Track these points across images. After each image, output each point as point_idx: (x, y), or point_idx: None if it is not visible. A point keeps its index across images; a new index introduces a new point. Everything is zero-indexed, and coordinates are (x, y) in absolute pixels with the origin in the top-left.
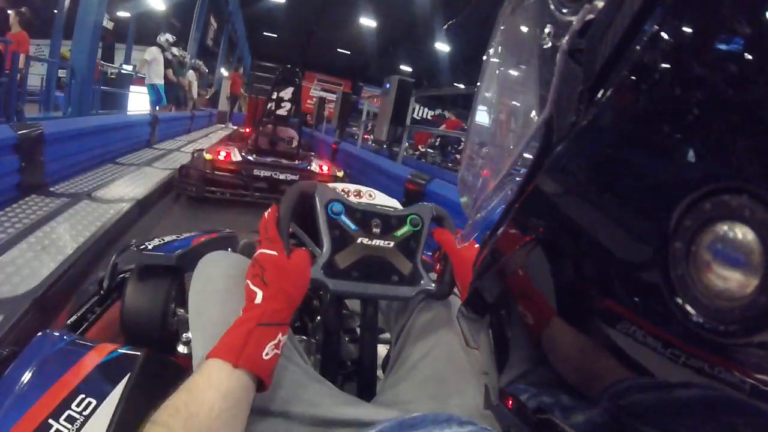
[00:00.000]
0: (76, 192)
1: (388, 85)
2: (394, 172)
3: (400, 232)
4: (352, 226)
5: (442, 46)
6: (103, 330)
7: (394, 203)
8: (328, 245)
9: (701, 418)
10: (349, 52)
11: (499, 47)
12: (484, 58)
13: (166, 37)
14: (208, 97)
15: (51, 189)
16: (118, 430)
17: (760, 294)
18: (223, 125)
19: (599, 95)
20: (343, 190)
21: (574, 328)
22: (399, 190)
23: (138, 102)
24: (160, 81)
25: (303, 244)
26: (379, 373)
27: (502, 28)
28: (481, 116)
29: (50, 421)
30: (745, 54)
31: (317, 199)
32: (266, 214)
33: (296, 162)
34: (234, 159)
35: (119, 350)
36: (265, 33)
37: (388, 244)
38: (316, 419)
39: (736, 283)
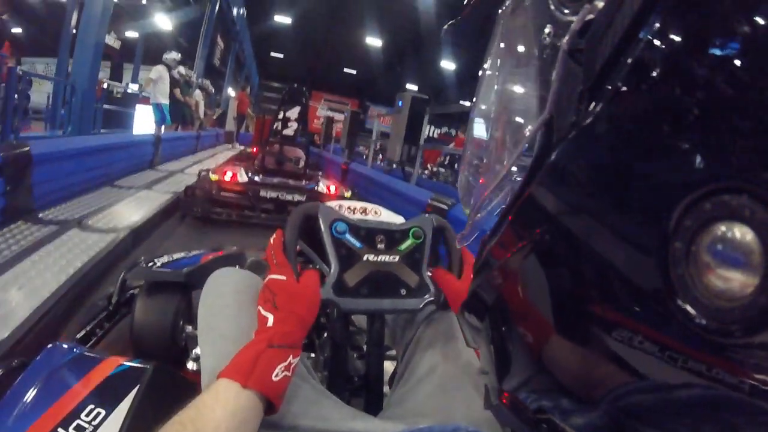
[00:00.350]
0: (66, 219)
1: (400, 103)
2: (412, 195)
3: (404, 246)
4: (357, 244)
5: (448, 64)
6: (112, 345)
7: (399, 219)
8: (335, 265)
9: (702, 418)
10: (355, 72)
11: (499, 48)
12: (484, 60)
13: (172, 56)
14: (215, 117)
15: (39, 215)
16: None
17: (760, 294)
18: (230, 145)
19: (599, 95)
20: (349, 208)
21: (573, 332)
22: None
23: (144, 121)
24: (165, 101)
25: (312, 262)
26: (386, 389)
27: (501, 28)
28: (482, 116)
29: (59, 430)
30: (745, 54)
31: (321, 220)
32: (271, 240)
33: (303, 182)
34: (240, 179)
35: (128, 363)
36: (272, 53)
37: (394, 258)
38: None
39: (736, 283)
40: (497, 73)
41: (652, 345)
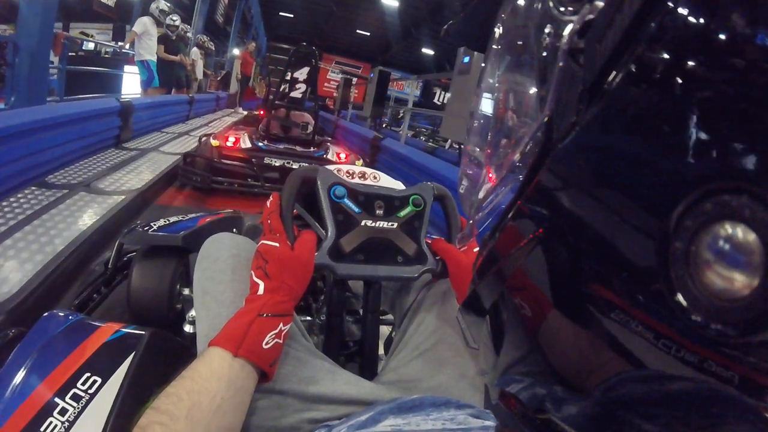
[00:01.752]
0: None
1: (466, 59)
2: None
3: (403, 213)
4: (356, 209)
5: None
6: (109, 310)
7: (398, 185)
8: (332, 229)
9: (693, 411)
10: (368, 34)
11: (499, 47)
12: (484, 60)
13: (160, 6)
14: (219, 78)
15: None
16: (122, 407)
17: (760, 294)
18: (233, 110)
19: (599, 95)
20: (347, 173)
21: (573, 324)
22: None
23: (135, 84)
24: (152, 57)
25: (309, 226)
26: (381, 353)
27: (501, 28)
28: (482, 116)
29: (56, 399)
30: (746, 53)
31: (319, 183)
32: (268, 203)
33: (311, 149)
34: (243, 146)
35: (125, 329)
36: (281, 13)
37: (392, 225)
38: (316, 396)
39: (736, 283)
40: (497, 74)
41: (653, 339)
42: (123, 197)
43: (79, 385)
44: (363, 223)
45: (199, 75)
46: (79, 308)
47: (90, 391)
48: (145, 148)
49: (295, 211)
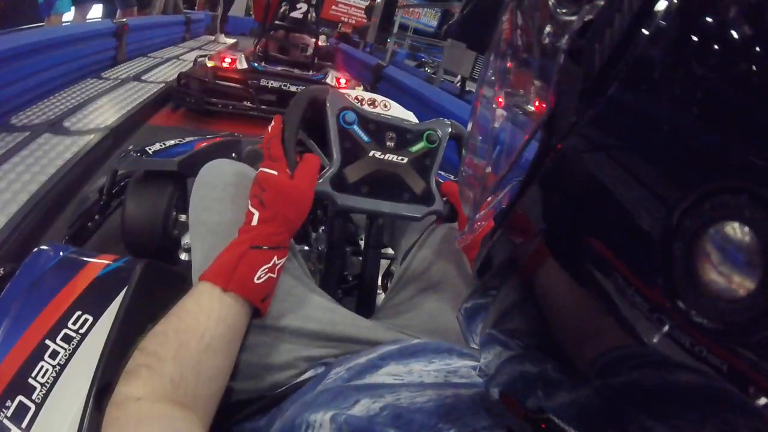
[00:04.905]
0: None
1: None
2: None
3: (415, 148)
4: (365, 138)
5: None
6: (105, 239)
7: (410, 116)
8: (338, 157)
9: (689, 405)
10: None
11: (499, 47)
12: (485, 60)
13: None
14: None
15: None
16: (114, 346)
17: (760, 294)
18: (212, 38)
19: (599, 96)
20: (356, 98)
21: (573, 322)
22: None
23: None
24: None
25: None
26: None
27: (501, 28)
28: (482, 116)
29: (47, 341)
30: (747, 53)
31: (329, 106)
32: (270, 127)
33: (310, 72)
34: (239, 67)
35: (117, 262)
36: None
37: (402, 159)
38: (313, 333)
39: (736, 283)
40: (498, 73)
41: (653, 339)
42: None
43: (69, 325)
44: (371, 154)
45: None
46: (72, 237)
47: (81, 331)
48: None
49: (298, 137)
